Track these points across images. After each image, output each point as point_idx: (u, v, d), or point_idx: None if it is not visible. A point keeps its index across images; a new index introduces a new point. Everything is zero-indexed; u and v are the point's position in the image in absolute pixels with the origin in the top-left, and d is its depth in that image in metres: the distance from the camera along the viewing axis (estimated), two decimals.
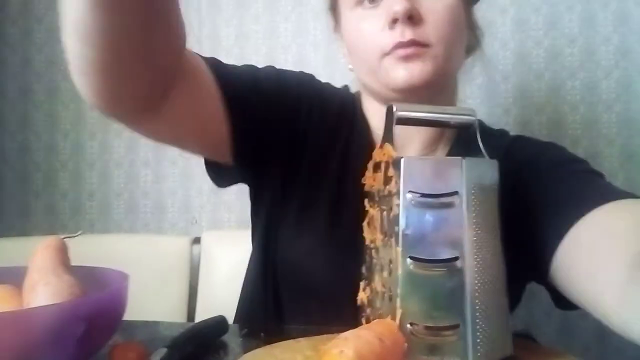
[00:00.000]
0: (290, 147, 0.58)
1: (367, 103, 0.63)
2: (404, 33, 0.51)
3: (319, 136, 0.59)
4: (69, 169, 1.21)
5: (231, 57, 1.13)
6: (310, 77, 0.63)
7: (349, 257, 0.48)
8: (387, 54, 0.52)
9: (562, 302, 0.50)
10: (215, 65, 0.53)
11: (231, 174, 0.59)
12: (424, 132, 0.58)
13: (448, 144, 0.60)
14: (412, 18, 0.51)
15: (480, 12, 1.04)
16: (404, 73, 0.51)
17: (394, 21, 0.51)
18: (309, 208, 0.58)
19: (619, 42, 1.02)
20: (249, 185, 0.63)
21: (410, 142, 0.58)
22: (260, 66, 0.60)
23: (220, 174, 0.59)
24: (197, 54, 0.52)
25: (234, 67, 0.56)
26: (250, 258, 0.65)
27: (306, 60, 1.12)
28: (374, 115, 0.61)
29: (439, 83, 0.54)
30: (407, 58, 0.51)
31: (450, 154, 0.59)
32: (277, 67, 0.62)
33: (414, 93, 0.51)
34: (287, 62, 1.12)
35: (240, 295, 0.66)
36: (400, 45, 0.51)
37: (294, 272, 0.57)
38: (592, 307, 0.42)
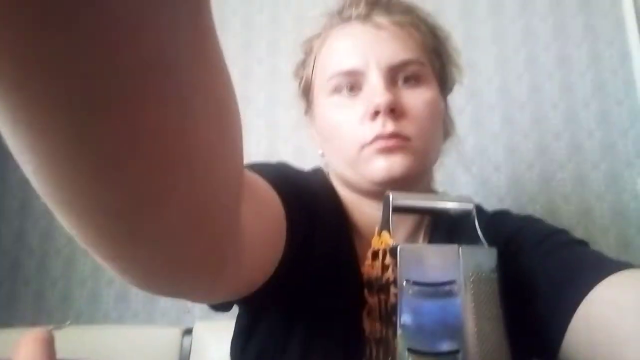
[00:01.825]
0: (305, 252, 0.50)
1: (340, 191, 0.60)
2: (386, 125, 0.50)
3: (320, 238, 0.53)
4: (62, 255, 1.20)
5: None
6: (297, 169, 0.58)
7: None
8: (367, 145, 0.51)
9: None
10: (269, 174, 0.44)
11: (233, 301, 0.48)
12: (408, 220, 0.57)
13: (428, 230, 0.59)
14: (394, 111, 0.50)
15: (470, 107, 1.11)
16: (384, 165, 0.50)
17: (376, 113, 0.50)
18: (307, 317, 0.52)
19: (602, 137, 1.08)
20: (246, 308, 0.56)
21: (395, 230, 0.52)
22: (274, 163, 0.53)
23: (223, 304, 0.47)
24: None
25: (269, 171, 0.46)
26: None
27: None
28: (349, 204, 0.58)
29: (417, 175, 0.54)
30: (387, 150, 0.50)
31: (432, 240, 0.58)
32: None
33: (393, 185, 0.49)
34: (288, 153, 1.16)
35: None
36: (381, 136, 0.50)
37: None
38: None
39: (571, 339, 0.43)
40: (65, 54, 0.14)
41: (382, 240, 0.45)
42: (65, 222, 0.21)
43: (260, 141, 1.17)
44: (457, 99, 1.10)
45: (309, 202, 0.52)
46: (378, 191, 0.52)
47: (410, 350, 0.37)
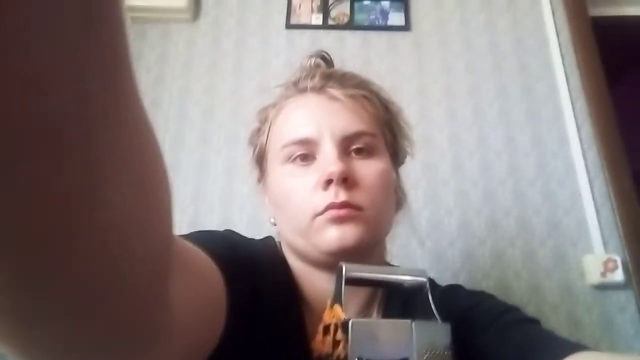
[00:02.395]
0: (249, 325, 0.49)
1: (291, 260, 0.58)
2: (338, 194, 0.50)
3: (266, 311, 0.51)
4: None
5: (186, 215, 1.14)
6: (244, 238, 0.58)
7: None
8: (318, 214, 0.50)
9: None
10: (210, 245, 0.42)
11: None
12: (361, 293, 0.56)
13: (381, 304, 0.57)
14: (346, 181, 0.50)
15: (425, 181, 1.14)
16: (335, 235, 0.49)
17: (328, 182, 0.50)
18: None
19: (547, 214, 1.12)
20: None
21: (347, 303, 0.49)
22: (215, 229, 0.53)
23: None
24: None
25: (210, 242, 0.44)
26: None
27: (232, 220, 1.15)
28: (300, 275, 0.57)
29: (369, 246, 0.53)
30: (339, 220, 0.50)
31: (385, 314, 0.56)
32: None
33: (344, 256, 0.48)
34: (242, 221, 1.14)
35: None
36: (333, 206, 0.49)
37: None
38: None
39: None
40: None
41: (334, 314, 0.43)
42: None
43: (214, 208, 1.15)
44: (412, 172, 1.14)
45: (253, 273, 0.50)
46: (330, 262, 0.50)
47: None
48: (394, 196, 0.59)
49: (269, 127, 0.60)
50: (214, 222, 1.13)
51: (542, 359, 0.44)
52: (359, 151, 0.54)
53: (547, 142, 1.19)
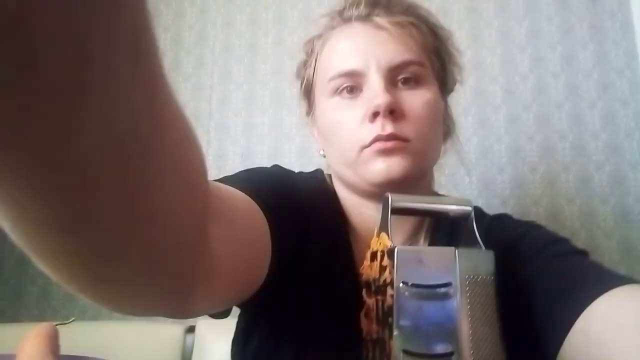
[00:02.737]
0: (298, 255, 0.52)
1: (340, 191, 0.60)
2: (385, 127, 0.50)
3: (315, 240, 0.55)
4: None
5: (238, 146, 1.18)
6: (291, 172, 0.60)
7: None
8: (366, 146, 0.51)
9: None
10: (252, 186, 0.44)
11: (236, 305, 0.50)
12: (408, 222, 0.58)
13: (428, 232, 0.59)
14: (393, 112, 0.51)
15: (475, 107, 1.11)
16: (382, 167, 0.51)
17: (375, 115, 0.51)
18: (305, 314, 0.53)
19: (607, 138, 1.07)
20: (245, 309, 0.57)
21: (394, 231, 0.53)
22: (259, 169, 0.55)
23: (223, 310, 0.48)
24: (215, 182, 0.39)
25: (252, 181, 0.48)
26: None
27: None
28: (348, 205, 0.59)
29: (416, 177, 0.54)
30: (386, 152, 0.50)
31: (432, 242, 0.58)
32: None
33: (391, 187, 0.49)
34: (292, 152, 1.16)
35: None
36: (380, 138, 0.50)
37: None
38: None
39: (567, 351, 0.43)
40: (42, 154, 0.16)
41: (381, 242, 0.45)
42: (39, 264, 0.23)
43: (264, 140, 1.18)
44: (462, 99, 1.11)
45: (299, 207, 0.53)
46: (377, 193, 0.52)
47: (405, 351, 0.37)
48: (441, 126, 0.59)
49: (315, 60, 0.60)
50: (264, 153, 1.17)
51: (588, 290, 0.43)
52: (406, 81, 0.54)
53: (611, 59, 1.10)
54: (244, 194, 0.43)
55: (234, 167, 1.16)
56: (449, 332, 0.37)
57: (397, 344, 0.37)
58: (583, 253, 0.52)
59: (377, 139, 0.51)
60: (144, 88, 0.18)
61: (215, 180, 0.44)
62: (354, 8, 0.57)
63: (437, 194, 0.66)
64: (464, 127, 1.11)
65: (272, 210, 0.45)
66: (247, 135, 1.19)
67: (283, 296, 0.52)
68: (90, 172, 0.18)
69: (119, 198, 0.20)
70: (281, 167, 0.60)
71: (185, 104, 1.24)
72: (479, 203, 1.07)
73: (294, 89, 1.18)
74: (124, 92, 0.17)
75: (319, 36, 0.60)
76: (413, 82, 0.54)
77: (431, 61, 0.57)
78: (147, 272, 0.25)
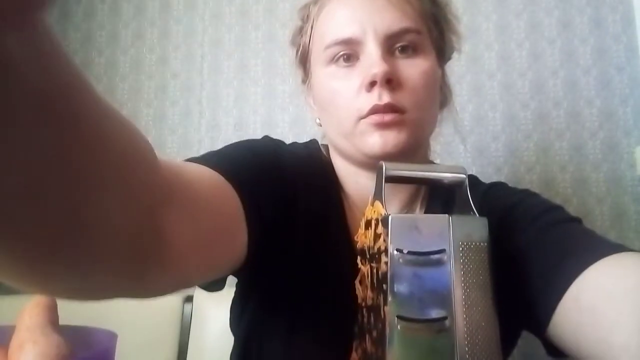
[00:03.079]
0: (285, 226, 0.53)
1: (336, 161, 0.61)
2: (382, 96, 0.50)
3: (305, 210, 0.55)
4: None
5: (230, 117, 1.17)
6: (280, 143, 0.60)
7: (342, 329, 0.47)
8: (363, 117, 0.51)
9: (555, 351, 0.48)
10: (220, 165, 0.45)
11: (224, 277, 0.51)
12: (404, 190, 0.58)
13: (424, 200, 0.60)
14: (390, 82, 0.50)
15: (470, 75, 1.10)
16: (379, 140, 0.51)
17: (372, 84, 0.50)
18: (297, 287, 0.54)
19: (601, 104, 1.07)
20: (241, 279, 0.58)
21: (390, 200, 0.54)
22: (232, 145, 0.55)
23: (213, 282, 0.50)
24: (176, 161, 0.40)
25: (229, 157, 0.49)
26: (233, 351, 0.61)
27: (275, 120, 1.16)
28: (344, 174, 0.60)
29: (412, 148, 0.54)
30: (383, 125, 0.50)
31: (427, 210, 0.59)
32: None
33: (387, 159, 0.48)
34: (285, 122, 1.15)
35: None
36: (377, 109, 0.50)
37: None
38: None
39: (560, 317, 0.44)
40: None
41: (375, 210, 0.46)
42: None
43: (257, 110, 1.17)
44: (456, 66, 1.09)
45: (284, 177, 0.54)
46: (373, 164, 0.52)
47: (399, 317, 0.38)
48: (438, 95, 0.58)
49: (311, 27, 0.59)
50: (257, 123, 1.16)
51: (580, 259, 0.44)
52: (403, 49, 0.53)
53: (608, 24, 1.09)
54: (213, 173, 0.43)
55: (226, 137, 1.15)
56: (443, 297, 0.38)
57: (391, 310, 0.38)
58: (577, 220, 0.52)
59: (374, 109, 0.50)
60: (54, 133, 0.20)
61: (190, 160, 0.45)
62: None
63: (432, 163, 0.66)
64: (459, 94, 1.10)
65: (248, 186, 0.45)
66: (239, 105, 1.18)
67: (275, 266, 0.53)
68: (29, 197, 0.20)
69: (64, 209, 0.22)
70: (270, 139, 0.60)
71: (176, 74, 1.22)
72: (473, 171, 1.07)
73: (286, 58, 1.16)
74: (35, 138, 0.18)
75: (315, 2, 0.59)
76: (411, 50, 0.53)
77: (429, 29, 0.56)
78: (99, 258, 0.27)
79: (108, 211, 0.25)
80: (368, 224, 0.46)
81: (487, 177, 1.07)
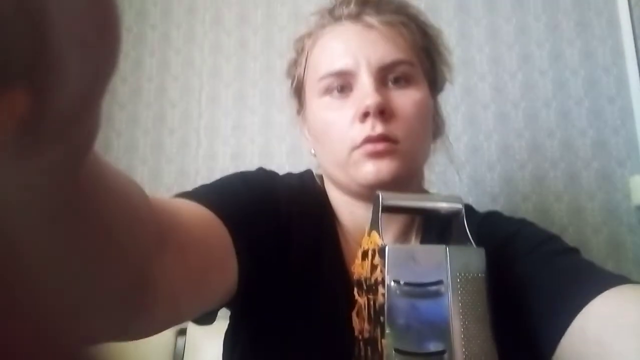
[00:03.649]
0: (278, 258, 0.53)
1: (331, 191, 0.61)
2: (375, 127, 0.51)
3: (299, 241, 0.55)
4: None
5: (228, 146, 1.18)
6: (274, 175, 0.60)
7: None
8: (356, 147, 0.52)
9: None
10: (211, 200, 0.45)
11: (215, 311, 0.50)
12: (398, 220, 0.58)
13: (419, 230, 0.59)
14: (383, 113, 0.51)
15: (464, 106, 1.12)
16: (372, 169, 0.51)
17: (365, 115, 0.51)
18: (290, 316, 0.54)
19: (594, 135, 1.08)
20: (233, 312, 0.58)
21: (384, 229, 0.54)
22: (228, 177, 0.55)
23: (204, 317, 0.49)
24: (167, 201, 0.41)
25: (221, 191, 0.50)
26: None
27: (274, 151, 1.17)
28: (339, 205, 0.60)
29: (406, 177, 0.54)
30: (376, 154, 0.51)
31: (423, 240, 0.58)
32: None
33: (381, 188, 0.49)
34: (282, 152, 1.16)
35: None
36: (370, 139, 0.51)
37: None
38: None
39: (564, 350, 0.44)
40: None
41: (372, 240, 0.45)
42: None
43: (254, 140, 1.18)
44: (451, 96, 1.11)
45: (278, 209, 0.54)
46: (367, 193, 0.52)
47: (397, 350, 0.37)
48: (431, 125, 0.59)
49: (306, 59, 0.60)
50: (255, 153, 1.16)
51: (585, 290, 0.43)
52: (396, 80, 0.54)
53: (598, 56, 1.11)
54: (204, 210, 0.43)
55: (224, 167, 1.16)
56: (441, 330, 0.37)
57: (389, 343, 0.37)
58: (575, 251, 0.52)
59: (368, 139, 0.51)
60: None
61: (180, 195, 0.46)
62: (345, 7, 0.57)
63: (427, 192, 0.66)
64: (453, 125, 1.12)
65: (239, 221, 0.46)
66: (237, 135, 1.19)
67: (268, 299, 0.52)
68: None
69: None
70: (264, 170, 0.60)
71: (175, 104, 1.23)
72: (469, 201, 1.07)
73: (284, 88, 1.18)
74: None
75: (309, 34, 0.60)
76: (403, 81, 0.54)
77: (421, 60, 0.57)
78: (95, 300, 0.26)
79: (112, 256, 0.26)
80: (365, 255, 0.45)
81: (484, 206, 1.06)
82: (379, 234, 0.44)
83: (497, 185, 1.09)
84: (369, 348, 0.41)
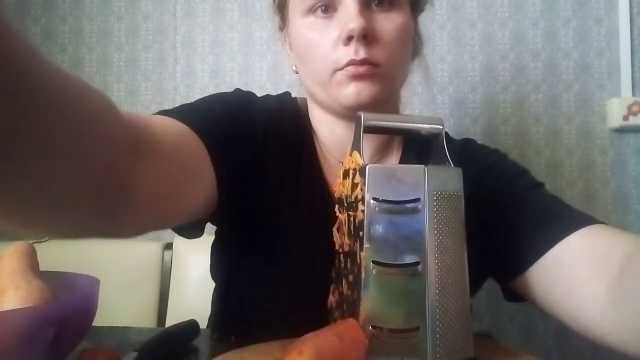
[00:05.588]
0: (255, 176, 0.56)
1: (312, 109, 0.63)
2: (358, 51, 0.51)
3: (276, 160, 0.58)
4: None
5: (206, 64, 1.14)
6: (252, 97, 0.62)
7: (316, 273, 0.50)
8: (339, 69, 0.53)
9: (511, 295, 0.56)
10: (190, 118, 0.48)
11: (201, 225, 0.54)
12: (374, 139, 0.60)
13: (399, 150, 0.62)
14: (367, 37, 0.52)
15: (451, 24, 1.09)
16: (353, 91, 0.53)
17: (349, 38, 0.52)
18: (272, 232, 0.57)
19: (579, 57, 1.08)
20: (219, 226, 0.61)
21: (366, 150, 0.54)
22: (203, 97, 0.57)
23: (191, 229, 0.53)
24: (141, 114, 0.43)
25: (198, 110, 0.52)
26: (215, 289, 0.66)
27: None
28: (320, 123, 0.62)
29: (385, 99, 0.56)
30: (358, 77, 0.52)
31: (402, 161, 0.61)
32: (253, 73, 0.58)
33: (360, 109, 0.49)
34: (263, 70, 1.13)
35: (212, 306, 0.66)
36: (353, 62, 0.52)
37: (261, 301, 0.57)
38: (574, 321, 0.47)
39: (538, 272, 0.50)
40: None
41: (353, 160, 0.46)
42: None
43: (234, 57, 1.14)
44: (437, 15, 1.08)
45: (254, 130, 0.57)
46: (347, 113, 0.55)
47: (375, 262, 0.39)
48: (411, 48, 0.59)
49: None
50: (235, 70, 1.13)
51: (565, 225, 0.49)
52: (380, 2, 0.54)
53: None
54: (180, 125, 0.46)
55: (203, 85, 1.12)
56: (416, 244, 0.40)
57: (367, 256, 0.40)
58: (543, 185, 0.58)
59: (351, 63, 0.52)
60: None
61: (158, 113, 0.48)
62: None
63: (404, 114, 0.67)
64: (438, 44, 1.10)
65: (215, 137, 0.49)
66: (215, 51, 1.14)
67: (248, 214, 0.56)
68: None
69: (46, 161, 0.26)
70: (240, 91, 0.61)
71: (148, 15, 1.17)
72: (450, 122, 1.08)
73: (264, 2, 1.12)
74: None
75: None
76: (387, 3, 0.54)
77: None
78: (74, 199, 0.31)
79: (78, 160, 0.29)
80: (346, 174, 0.47)
81: (464, 128, 1.09)
82: (360, 154, 0.45)
83: (478, 107, 1.09)
84: (348, 260, 0.44)
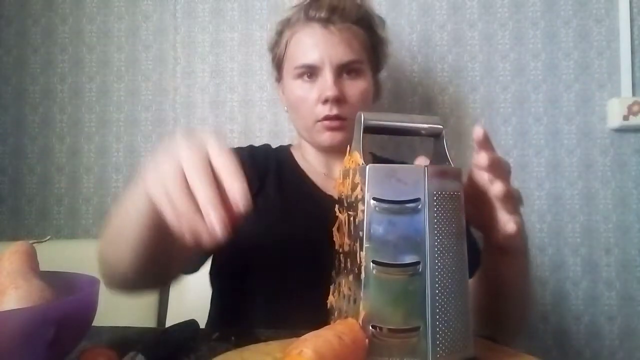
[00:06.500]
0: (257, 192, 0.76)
1: (301, 142, 0.86)
2: (332, 109, 0.74)
3: (273, 183, 0.78)
4: (36, 173, 1.19)
5: (206, 64, 1.14)
6: (249, 148, 0.85)
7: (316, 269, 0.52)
8: (318, 121, 0.75)
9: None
10: None
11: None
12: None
13: None
14: (338, 100, 0.74)
15: (451, 24, 1.08)
16: (328, 138, 0.76)
17: (326, 101, 0.73)
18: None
19: (579, 57, 1.08)
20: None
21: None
22: None
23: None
24: None
25: None
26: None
27: None
28: (306, 149, 0.84)
29: (350, 139, 0.63)
30: (331, 129, 0.75)
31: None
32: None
33: (333, 150, 0.77)
34: (263, 70, 1.13)
35: (211, 306, 0.69)
36: (328, 117, 0.74)
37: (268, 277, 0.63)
38: None
39: None
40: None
41: (353, 160, 0.46)
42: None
43: (234, 57, 1.13)
44: (438, 14, 1.07)
45: (256, 167, 0.78)
46: (323, 150, 0.81)
47: (375, 262, 0.39)
48: (370, 100, 0.80)
49: (285, 45, 0.80)
50: (235, 71, 1.12)
51: None
52: (348, 73, 0.76)
53: None
54: None
55: (203, 85, 1.12)
56: (416, 244, 0.40)
57: (367, 255, 0.40)
58: None
59: (326, 118, 0.75)
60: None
61: None
62: (317, 11, 0.76)
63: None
64: (439, 44, 1.10)
65: None
66: (215, 51, 1.14)
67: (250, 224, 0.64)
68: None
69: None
70: (242, 149, 0.83)
71: (148, 16, 1.17)
72: (450, 122, 1.09)
73: (264, 2, 1.12)
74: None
75: (289, 27, 0.79)
76: (354, 74, 0.76)
77: (369, 55, 0.79)
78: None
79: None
80: (346, 174, 0.47)
81: (464, 128, 1.09)
82: (360, 154, 0.45)
83: (478, 107, 1.09)
84: (348, 260, 0.44)
